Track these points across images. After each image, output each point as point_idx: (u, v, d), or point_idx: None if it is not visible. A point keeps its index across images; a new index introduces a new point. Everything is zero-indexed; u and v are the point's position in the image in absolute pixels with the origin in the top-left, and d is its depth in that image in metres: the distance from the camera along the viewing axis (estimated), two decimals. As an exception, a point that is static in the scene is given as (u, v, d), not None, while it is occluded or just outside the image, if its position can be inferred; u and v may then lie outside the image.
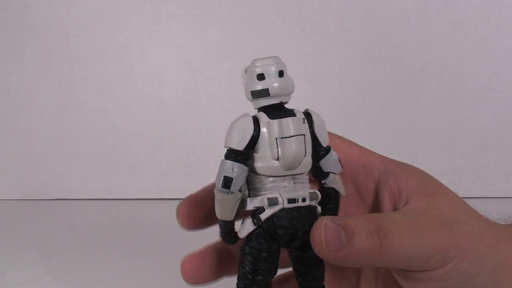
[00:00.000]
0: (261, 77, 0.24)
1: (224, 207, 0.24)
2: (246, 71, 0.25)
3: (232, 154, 0.24)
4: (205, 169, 0.76)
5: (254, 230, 0.24)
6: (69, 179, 0.80)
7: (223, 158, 0.24)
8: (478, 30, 0.71)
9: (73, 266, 0.50)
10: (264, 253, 0.24)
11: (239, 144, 0.24)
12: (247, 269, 0.24)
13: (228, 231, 0.25)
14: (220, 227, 0.25)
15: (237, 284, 0.25)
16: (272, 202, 0.23)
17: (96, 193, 0.79)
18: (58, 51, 0.77)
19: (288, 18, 0.73)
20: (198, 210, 0.28)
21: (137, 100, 0.77)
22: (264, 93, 0.24)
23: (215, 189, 0.24)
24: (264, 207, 0.23)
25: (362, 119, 0.75)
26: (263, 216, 0.23)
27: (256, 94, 0.24)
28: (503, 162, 0.74)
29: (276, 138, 0.23)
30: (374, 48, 0.73)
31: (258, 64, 0.24)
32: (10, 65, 0.78)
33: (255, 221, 0.24)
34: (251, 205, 0.24)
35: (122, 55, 0.77)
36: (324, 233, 0.22)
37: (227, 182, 0.23)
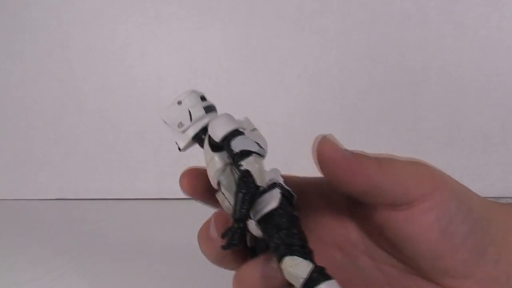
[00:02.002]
0: (203, 98, 0.28)
1: (263, 171, 0.25)
2: (180, 102, 0.28)
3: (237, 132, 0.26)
4: (205, 169, 0.76)
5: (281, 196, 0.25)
6: (69, 179, 0.80)
7: (234, 138, 0.25)
8: (478, 30, 0.71)
9: (73, 266, 0.50)
10: (295, 212, 0.25)
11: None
12: (286, 233, 0.24)
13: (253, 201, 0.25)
14: (248, 201, 0.24)
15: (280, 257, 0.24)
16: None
17: (96, 193, 0.79)
18: (58, 51, 0.77)
19: (288, 18, 0.73)
20: (199, 181, 0.28)
21: (137, 100, 0.77)
22: (211, 108, 0.28)
23: (254, 158, 0.25)
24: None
25: (362, 119, 0.75)
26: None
27: (209, 109, 0.28)
28: (503, 162, 0.74)
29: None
30: (374, 48, 0.73)
31: (195, 91, 0.28)
32: (10, 65, 0.78)
33: (279, 188, 0.25)
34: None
35: (122, 55, 0.77)
36: (335, 141, 0.26)
37: (259, 145, 0.25)
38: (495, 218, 0.26)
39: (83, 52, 0.77)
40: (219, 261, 0.28)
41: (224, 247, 0.24)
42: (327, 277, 0.22)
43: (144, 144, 0.78)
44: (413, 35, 0.72)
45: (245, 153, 0.25)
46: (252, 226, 0.25)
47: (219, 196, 0.27)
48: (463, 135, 0.74)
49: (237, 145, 0.25)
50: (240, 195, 0.24)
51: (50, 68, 0.78)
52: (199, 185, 0.28)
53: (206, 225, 0.28)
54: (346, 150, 0.25)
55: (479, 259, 0.25)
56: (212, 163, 0.26)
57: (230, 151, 0.25)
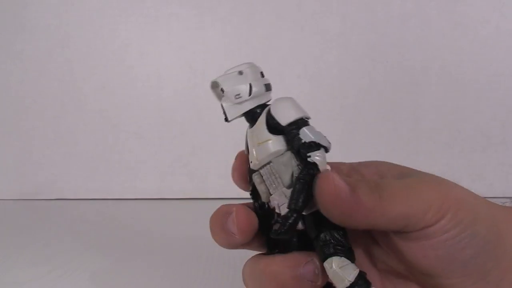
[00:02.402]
0: (262, 75, 0.27)
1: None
2: (241, 73, 0.27)
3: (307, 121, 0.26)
4: (205, 169, 0.76)
5: None
6: (69, 179, 0.80)
7: (303, 127, 0.25)
8: (478, 30, 0.71)
9: (73, 266, 0.50)
10: None
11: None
12: (340, 233, 0.24)
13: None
14: (310, 194, 0.24)
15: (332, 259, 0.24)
16: None
17: (96, 193, 0.79)
18: (58, 51, 0.77)
19: (288, 18, 0.73)
20: (254, 219, 0.27)
21: (137, 100, 0.77)
22: (269, 87, 0.27)
23: (322, 152, 0.24)
24: None
25: (362, 119, 0.75)
26: None
27: (268, 87, 0.27)
28: (503, 162, 0.74)
29: None
30: (374, 48, 0.73)
31: (255, 65, 0.28)
32: (10, 65, 0.78)
33: None
34: None
35: (122, 55, 0.77)
36: (333, 180, 0.23)
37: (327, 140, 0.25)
38: (503, 237, 0.25)
39: (83, 52, 0.77)
40: (232, 248, 0.27)
41: (273, 234, 0.24)
42: (369, 284, 0.23)
43: (144, 144, 0.78)
44: (413, 35, 0.72)
45: (314, 145, 0.24)
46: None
47: (257, 177, 0.26)
48: (463, 135, 0.74)
49: (307, 135, 0.25)
50: (305, 186, 0.23)
51: (50, 68, 0.78)
52: (254, 225, 0.27)
53: (220, 214, 0.27)
54: (342, 186, 0.23)
55: (480, 281, 0.24)
56: (267, 145, 0.25)
57: (296, 139, 0.24)
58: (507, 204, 0.30)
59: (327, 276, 0.24)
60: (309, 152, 0.24)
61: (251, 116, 0.27)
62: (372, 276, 0.28)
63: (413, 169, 0.28)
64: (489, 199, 0.27)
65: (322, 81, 0.74)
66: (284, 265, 0.25)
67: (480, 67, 0.72)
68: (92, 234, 0.61)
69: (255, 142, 0.26)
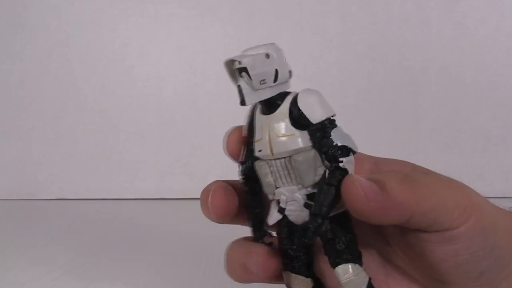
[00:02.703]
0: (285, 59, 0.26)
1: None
2: (268, 56, 0.25)
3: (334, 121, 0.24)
4: (205, 169, 0.76)
5: None
6: (69, 179, 0.80)
7: (334, 128, 0.24)
8: (478, 30, 0.71)
9: (73, 266, 0.50)
10: None
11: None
12: (353, 238, 0.24)
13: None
14: (337, 201, 0.23)
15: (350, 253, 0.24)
16: None
17: (96, 193, 0.79)
18: (58, 51, 0.77)
19: (288, 18, 0.73)
20: (232, 200, 0.26)
21: (137, 100, 0.77)
22: (291, 74, 0.26)
23: (351, 157, 0.23)
24: None
25: (362, 119, 0.75)
26: None
27: (291, 74, 0.26)
28: (503, 162, 0.74)
29: None
30: (374, 48, 0.73)
31: (279, 46, 0.26)
32: (10, 65, 0.78)
33: None
34: None
35: (122, 55, 0.77)
36: (360, 184, 0.22)
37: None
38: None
39: (83, 52, 0.77)
40: (218, 222, 0.27)
41: (298, 239, 0.25)
42: None
43: (144, 144, 0.78)
44: (413, 35, 0.72)
45: (345, 150, 0.23)
46: (296, 214, 0.25)
47: (263, 168, 0.25)
48: (463, 135, 0.74)
49: (338, 137, 0.24)
50: (334, 193, 0.22)
51: (50, 68, 0.78)
52: (232, 205, 0.26)
53: (205, 190, 0.26)
54: (369, 187, 0.22)
55: None
56: (290, 140, 0.24)
57: (328, 140, 0.23)
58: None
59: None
60: (341, 157, 0.23)
61: (271, 104, 0.25)
62: (379, 277, 0.28)
63: (435, 172, 0.27)
64: (489, 199, 0.27)
65: (322, 81, 0.74)
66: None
67: (480, 67, 0.72)
68: (92, 234, 0.61)
69: (273, 133, 0.24)
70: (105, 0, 0.76)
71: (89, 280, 0.47)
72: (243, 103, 0.24)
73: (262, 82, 0.24)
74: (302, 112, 0.24)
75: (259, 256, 0.26)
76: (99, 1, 0.76)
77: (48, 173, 0.80)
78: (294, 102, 0.25)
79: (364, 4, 0.72)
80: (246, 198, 0.26)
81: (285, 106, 0.25)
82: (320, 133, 0.24)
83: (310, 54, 0.74)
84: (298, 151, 0.24)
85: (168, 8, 0.75)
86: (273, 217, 0.25)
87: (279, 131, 0.24)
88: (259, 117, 0.25)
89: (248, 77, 0.24)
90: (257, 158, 0.25)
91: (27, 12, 0.76)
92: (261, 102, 0.25)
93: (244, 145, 0.26)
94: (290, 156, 0.24)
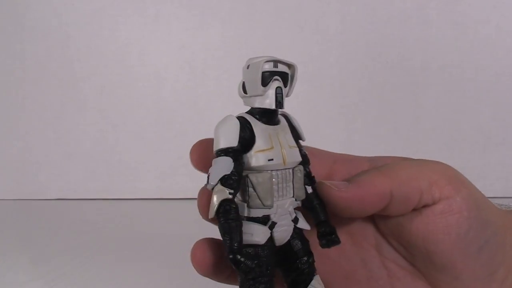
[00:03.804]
0: None
1: None
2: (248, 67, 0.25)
3: None
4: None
5: None
6: (69, 179, 0.80)
7: None
8: (478, 30, 0.71)
9: (73, 266, 0.50)
10: None
11: None
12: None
13: None
14: None
15: None
16: None
17: (96, 193, 0.79)
18: (58, 51, 0.77)
19: (288, 18, 0.73)
20: (215, 255, 0.26)
21: (137, 100, 0.77)
22: None
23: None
24: None
25: (362, 119, 0.75)
26: None
27: None
28: (503, 162, 0.74)
29: None
30: (374, 48, 0.73)
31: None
32: (10, 65, 0.78)
33: None
34: None
35: (122, 55, 0.77)
36: (329, 182, 0.25)
37: None
38: (507, 236, 0.25)
39: (83, 52, 0.77)
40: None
41: (327, 246, 0.26)
42: None
43: (144, 144, 0.78)
44: (413, 35, 0.72)
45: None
46: (284, 230, 0.25)
47: (267, 178, 0.24)
48: (463, 135, 0.74)
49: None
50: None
51: (50, 68, 0.78)
52: (212, 260, 0.26)
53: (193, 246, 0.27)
54: (343, 183, 0.25)
55: (488, 277, 0.24)
56: (296, 152, 0.25)
57: (308, 160, 0.27)
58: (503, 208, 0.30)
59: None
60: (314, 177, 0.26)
61: (275, 115, 0.26)
62: (383, 278, 0.28)
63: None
64: (489, 199, 0.27)
65: (322, 81, 0.74)
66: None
67: (480, 67, 0.72)
68: (92, 234, 0.61)
69: (285, 143, 0.25)
70: (105, 0, 0.76)
71: (89, 280, 0.47)
72: (280, 106, 0.24)
73: (289, 95, 0.26)
74: (296, 130, 0.26)
75: (192, 251, 0.26)
76: (99, 1, 0.76)
77: (48, 173, 0.80)
78: (288, 119, 0.26)
79: (364, 4, 0.72)
80: (233, 215, 0.23)
81: (283, 121, 0.26)
82: (303, 151, 0.26)
83: (310, 54, 0.74)
84: (297, 163, 0.25)
85: (168, 8, 0.75)
86: (263, 234, 0.24)
87: (290, 142, 0.25)
88: (261, 127, 0.25)
89: (288, 84, 0.25)
90: (248, 170, 0.24)
91: (27, 12, 0.76)
92: (267, 114, 0.25)
93: (231, 156, 0.24)
94: (293, 168, 0.25)
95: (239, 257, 0.22)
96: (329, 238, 0.25)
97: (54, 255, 0.54)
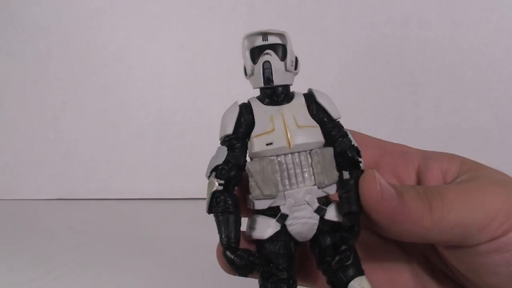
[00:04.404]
0: None
1: None
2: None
3: None
4: (205, 169, 0.76)
5: None
6: (69, 179, 0.80)
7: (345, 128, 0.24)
8: (478, 30, 0.71)
9: (73, 266, 0.50)
10: None
11: None
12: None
13: None
14: None
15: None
16: None
17: (96, 193, 0.79)
18: (58, 51, 0.77)
19: (288, 18, 0.73)
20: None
21: (137, 100, 0.77)
22: None
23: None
24: None
25: (362, 119, 0.75)
26: None
27: None
28: (503, 162, 0.74)
29: None
30: (374, 48, 0.73)
31: None
32: (10, 65, 0.78)
33: None
34: None
35: (122, 55, 0.77)
36: (379, 182, 0.21)
37: None
38: None
39: (83, 52, 0.77)
40: None
41: (349, 242, 0.22)
42: None
43: (144, 144, 0.78)
44: (413, 35, 0.72)
45: (358, 151, 0.23)
46: (303, 222, 0.22)
47: (270, 165, 0.22)
48: (463, 135, 0.74)
49: (352, 138, 0.23)
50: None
51: (50, 68, 0.78)
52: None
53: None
54: (386, 187, 0.21)
55: None
56: (313, 131, 0.22)
57: (347, 139, 0.23)
58: None
59: None
60: (360, 158, 0.23)
61: (286, 92, 0.23)
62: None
63: (483, 166, 0.25)
64: None
65: (322, 81, 0.74)
66: None
67: (480, 67, 0.72)
68: (92, 234, 0.61)
69: (292, 123, 0.22)
70: (105, 0, 0.76)
71: (89, 280, 0.47)
72: (269, 81, 0.22)
73: (292, 63, 0.23)
74: (322, 107, 0.23)
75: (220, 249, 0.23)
76: (99, 1, 0.76)
77: (48, 173, 0.80)
78: (311, 96, 0.24)
79: (364, 4, 0.72)
80: (222, 207, 0.21)
81: (300, 98, 0.24)
82: (337, 131, 0.23)
83: (310, 54, 0.73)
84: (318, 145, 0.22)
85: (168, 8, 0.75)
86: (267, 228, 0.22)
87: (300, 121, 0.22)
88: (263, 108, 0.23)
89: (281, 55, 0.23)
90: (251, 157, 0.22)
91: (27, 12, 0.76)
92: (274, 91, 0.23)
93: (227, 145, 0.23)
94: (311, 150, 0.22)
95: (228, 253, 0.21)
96: (341, 235, 0.22)
97: (54, 255, 0.54)
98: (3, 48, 0.78)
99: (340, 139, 0.23)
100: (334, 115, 0.23)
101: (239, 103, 0.23)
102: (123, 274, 0.48)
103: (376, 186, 0.21)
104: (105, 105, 0.78)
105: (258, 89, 0.23)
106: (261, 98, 0.23)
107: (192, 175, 0.77)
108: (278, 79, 0.22)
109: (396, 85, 0.74)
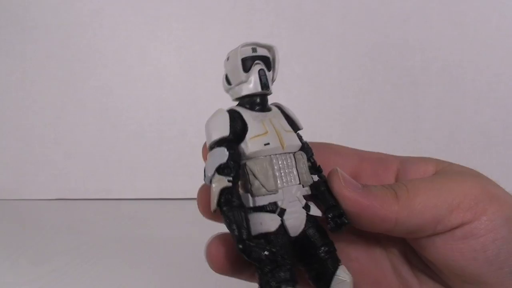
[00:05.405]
0: None
1: None
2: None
3: None
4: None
5: None
6: (69, 179, 0.80)
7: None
8: (478, 30, 0.71)
9: (73, 266, 0.50)
10: None
11: None
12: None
13: None
14: None
15: None
16: None
17: (96, 193, 0.79)
18: (58, 51, 0.77)
19: (288, 18, 0.73)
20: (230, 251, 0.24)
21: (137, 100, 0.77)
22: None
23: None
24: None
25: (362, 119, 0.75)
26: None
27: None
28: (503, 162, 0.74)
29: None
30: (374, 48, 0.73)
31: None
32: (10, 65, 0.78)
33: None
34: None
35: (122, 55, 0.77)
36: (340, 172, 0.24)
37: None
38: None
39: (83, 52, 0.77)
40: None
41: (338, 230, 0.24)
42: None
43: (144, 144, 0.78)
44: (413, 35, 0.72)
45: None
46: (296, 217, 0.24)
47: (267, 163, 0.23)
48: (463, 135, 0.74)
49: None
50: None
51: (50, 68, 0.78)
52: (227, 259, 0.24)
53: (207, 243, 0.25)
54: (350, 180, 0.24)
55: None
56: (295, 136, 0.25)
57: (310, 148, 0.26)
58: None
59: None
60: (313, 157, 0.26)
61: (265, 101, 0.25)
62: (413, 285, 0.26)
63: (456, 164, 0.27)
64: None
65: (322, 81, 0.74)
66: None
67: (480, 67, 0.72)
68: (92, 234, 0.61)
69: (280, 127, 0.24)
70: (105, 0, 0.76)
71: (89, 280, 0.47)
72: (266, 87, 0.24)
73: (275, 76, 0.25)
74: (291, 118, 0.26)
75: (211, 247, 0.24)
76: (99, 1, 0.76)
77: (48, 173, 0.80)
78: (280, 108, 0.26)
79: (364, 4, 0.72)
80: (236, 202, 0.22)
81: (274, 109, 0.26)
82: (303, 141, 0.26)
83: (310, 54, 0.74)
84: (299, 149, 0.25)
85: (168, 8, 0.75)
86: (272, 221, 0.23)
87: (286, 127, 0.25)
88: (252, 114, 0.24)
89: (271, 67, 0.25)
90: (246, 159, 0.24)
91: (27, 12, 0.76)
92: (263, 96, 0.25)
93: (225, 146, 0.23)
94: (294, 153, 0.24)
95: (248, 243, 0.21)
96: (337, 221, 0.24)
97: (54, 255, 0.54)
98: (3, 48, 0.78)
99: (308, 148, 0.26)
100: (300, 125, 0.26)
101: (223, 108, 0.25)
102: (123, 274, 0.48)
103: (338, 175, 0.24)
104: (105, 105, 0.78)
105: (236, 101, 0.26)
106: (246, 106, 0.25)
107: (192, 175, 0.77)
108: (270, 86, 0.25)
109: (396, 85, 0.74)
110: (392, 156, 0.29)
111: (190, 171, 0.77)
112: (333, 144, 0.28)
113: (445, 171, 0.26)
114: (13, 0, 0.76)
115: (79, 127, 0.79)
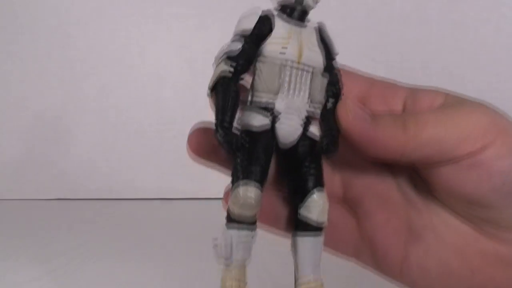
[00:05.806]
0: None
1: None
2: None
3: None
4: (205, 169, 0.76)
5: None
6: (69, 179, 0.80)
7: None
8: (478, 30, 0.71)
9: (73, 266, 0.50)
10: None
11: None
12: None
13: None
14: None
15: None
16: None
17: (96, 193, 0.79)
18: (58, 51, 0.77)
19: (288, 18, 0.73)
20: (207, 139, 0.26)
21: (137, 100, 0.77)
22: None
23: None
24: None
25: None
26: None
27: None
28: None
29: None
30: (374, 48, 0.73)
31: None
32: (10, 65, 0.78)
33: None
34: None
35: (122, 55, 0.77)
36: (350, 101, 0.24)
37: None
38: None
39: (83, 52, 0.77)
40: None
41: (329, 151, 0.24)
42: None
43: (144, 144, 0.78)
44: (413, 35, 0.72)
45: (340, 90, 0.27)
46: (288, 129, 0.23)
47: (277, 69, 0.24)
48: (463, 135, 0.74)
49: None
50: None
51: (50, 68, 0.78)
52: (207, 144, 0.26)
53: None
54: (359, 112, 0.24)
55: None
56: (319, 55, 0.25)
57: (338, 74, 0.27)
58: None
59: None
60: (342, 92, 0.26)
61: (302, 15, 0.25)
62: (417, 202, 0.26)
63: (465, 98, 0.27)
64: None
65: (322, 81, 0.74)
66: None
67: (480, 67, 0.72)
68: (92, 234, 0.61)
69: (306, 41, 0.24)
70: (105, 0, 0.76)
71: (89, 280, 0.47)
72: (300, 3, 0.25)
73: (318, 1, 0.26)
74: (327, 42, 0.25)
75: (192, 136, 0.26)
76: (99, 1, 0.76)
77: (48, 173, 0.80)
78: (319, 28, 0.26)
79: (364, 3, 0.72)
80: (233, 88, 0.24)
81: (310, 27, 0.25)
82: (332, 65, 0.26)
83: (310, 54, 0.74)
84: (318, 68, 0.24)
85: (168, 8, 0.75)
86: (260, 120, 0.23)
87: (312, 45, 0.24)
88: (283, 22, 0.24)
89: None
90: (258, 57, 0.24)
91: (27, 12, 0.76)
92: (289, 8, 0.25)
93: (241, 40, 0.25)
94: (313, 70, 0.24)
95: (227, 129, 0.22)
96: (327, 144, 0.23)
97: (54, 255, 0.54)
98: (3, 48, 0.78)
99: (334, 72, 0.26)
100: (335, 51, 0.26)
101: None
102: (123, 274, 0.48)
103: (348, 110, 0.24)
104: (105, 105, 0.78)
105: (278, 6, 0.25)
106: (284, 14, 0.25)
107: (192, 175, 0.77)
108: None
109: (396, 85, 0.74)
110: (401, 85, 0.29)
111: (190, 171, 0.77)
112: (344, 66, 0.28)
113: (453, 102, 0.26)
114: (13, 0, 0.76)
115: (79, 127, 0.79)
